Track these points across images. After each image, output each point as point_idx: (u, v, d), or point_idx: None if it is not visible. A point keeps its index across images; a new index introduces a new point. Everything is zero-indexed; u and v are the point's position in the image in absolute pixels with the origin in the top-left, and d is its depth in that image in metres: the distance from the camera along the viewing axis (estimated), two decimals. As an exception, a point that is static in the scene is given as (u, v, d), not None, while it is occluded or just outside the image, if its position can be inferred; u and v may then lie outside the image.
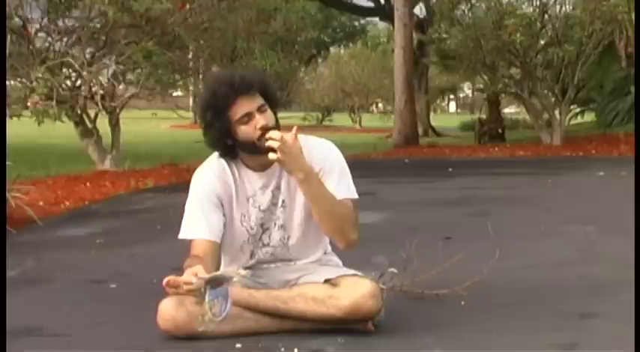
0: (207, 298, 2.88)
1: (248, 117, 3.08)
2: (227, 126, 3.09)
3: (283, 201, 3.22)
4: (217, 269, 3.24)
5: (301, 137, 3.21)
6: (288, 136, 3.03)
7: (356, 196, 3.22)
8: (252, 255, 3.28)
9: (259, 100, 3.11)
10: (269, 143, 3.01)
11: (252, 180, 3.21)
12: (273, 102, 3.18)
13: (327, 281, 3.14)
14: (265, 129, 3.07)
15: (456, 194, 7.89)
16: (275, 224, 3.25)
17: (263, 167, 3.19)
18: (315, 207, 3.13)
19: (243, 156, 3.21)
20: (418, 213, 6.81)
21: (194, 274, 2.87)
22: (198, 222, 3.16)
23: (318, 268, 3.26)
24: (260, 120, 3.08)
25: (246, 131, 3.09)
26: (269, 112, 3.12)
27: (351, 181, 3.23)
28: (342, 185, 3.19)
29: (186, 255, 3.16)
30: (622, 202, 6.30)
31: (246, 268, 3.28)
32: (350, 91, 34.54)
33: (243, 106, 3.07)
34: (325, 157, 3.20)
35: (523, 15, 14.50)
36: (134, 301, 3.81)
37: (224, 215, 3.20)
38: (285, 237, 3.26)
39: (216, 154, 3.29)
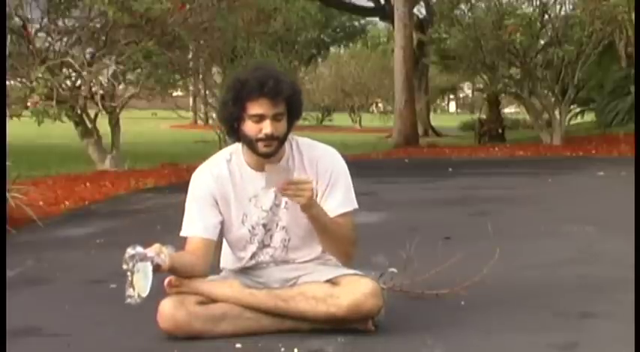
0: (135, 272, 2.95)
1: (260, 118, 3.11)
2: (239, 113, 3.13)
3: (286, 203, 3.22)
4: (212, 264, 3.26)
5: (303, 143, 3.28)
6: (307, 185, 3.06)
7: (356, 206, 3.26)
8: (253, 256, 3.29)
9: (279, 109, 3.12)
10: (295, 199, 3.07)
11: (255, 181, 3.21)
12: (294, 116, 3.21)
13: (327, 280, 3.15)
14: (268, 139, 3.10)
15: (456, 194, 7.88)
16: (277, 225, 3.26)
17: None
18: (320, 234, 3.19)
19: (246, 154, 3.22)
20: (418, 213, 6.81)
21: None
22: (192, 220, 3.22)
23: (317, 267, 3.26)
24: (268, 127, 3.10)
25: (252, 128, 3.13)
26: (283, 123, 3.14)
27: (352, 190, 3.27)
28: (347, 198, 3.24)
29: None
30: (622, 202, 6.30)
31: (245, 268, 3.30)
32: (350, 91, 34.56)
33: (262, 107, 3.10)
34: (331, 170, 3.23)
35: (523, 15, 14.51)
36: (134, 301, 3.81)
37: (221, 214, 3.22)
38: (287, 238, 3.27)
39: (217, 154, 3.33)
